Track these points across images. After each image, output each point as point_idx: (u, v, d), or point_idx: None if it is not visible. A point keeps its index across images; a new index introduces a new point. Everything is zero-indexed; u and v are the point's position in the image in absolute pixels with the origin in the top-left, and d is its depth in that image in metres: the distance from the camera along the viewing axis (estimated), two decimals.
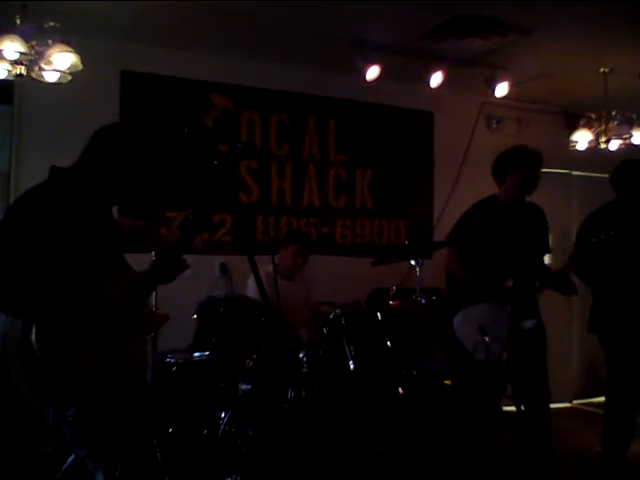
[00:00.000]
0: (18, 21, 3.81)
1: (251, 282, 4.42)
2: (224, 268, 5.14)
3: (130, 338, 2.41)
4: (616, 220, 4.10)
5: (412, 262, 4.38)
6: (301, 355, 3.89)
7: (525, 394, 3.95)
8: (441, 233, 5.82)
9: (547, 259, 4.31)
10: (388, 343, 4.08)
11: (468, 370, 4.11)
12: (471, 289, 4.03)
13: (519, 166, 4.00)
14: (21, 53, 3.78)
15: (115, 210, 2.69)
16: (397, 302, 4.69)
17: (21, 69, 3.87)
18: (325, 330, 4.11)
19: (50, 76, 4.03)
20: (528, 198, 4.13)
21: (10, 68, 3.85)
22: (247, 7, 4.29)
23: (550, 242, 4.29)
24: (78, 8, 4.19)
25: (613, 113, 5.50)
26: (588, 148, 5.64)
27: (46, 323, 2.18)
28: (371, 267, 4.65)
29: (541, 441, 3.92)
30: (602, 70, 5.45)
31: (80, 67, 4.03)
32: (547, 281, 3.95)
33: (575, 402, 6.71)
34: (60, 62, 3.95)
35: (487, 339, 3.82)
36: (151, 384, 3.39)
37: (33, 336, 2.15)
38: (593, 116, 5.61)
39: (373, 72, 5.05)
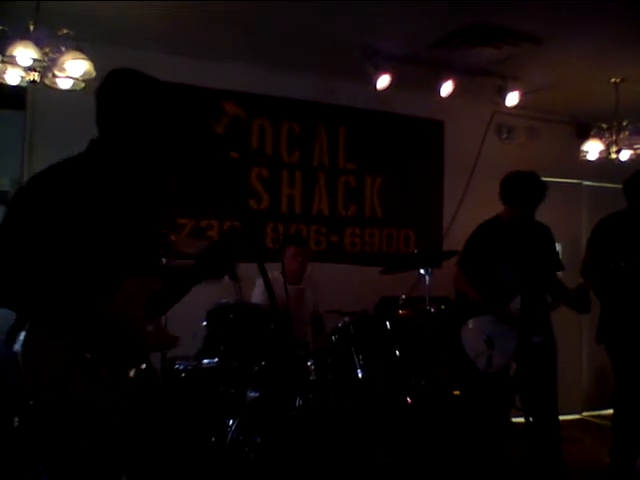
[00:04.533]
0: (32, 27, 3.84)
1: (257, 289, 4.42)
2: (233, 275, 5.14)
3: (135, 359, 2.12)
4: (626, 228, 4.10)
5: (421, 271, 4.39)
6: (309, 363, 3.89)
7: (533, 407, 3.96)
8: (451, 242, 5.81)
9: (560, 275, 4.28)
10: (397, 352, 4.07)
11: (476, 380, 4.11)
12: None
13: (530, 199, 4.03)
14: (34, 60, 3.80)
15: None
16: (406, 311, 4.69)
17: (34, 76, 3.89)
18: (334, 338, 4.11)
19: (63, 83, 4.05)
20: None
21: (23, 74, 3.88)
22: (259, 15, 4.32)
23: (560, 257, 4.29)
24: (92, 15, 4.22)
25: (624, 123, 5.49)
26: (599, 158, 5.62)
27: (39, 327, 1.92)
28: (380, 275, 4.65)
29: (550, 453, 3.91)
30: (613, 80, 5.43)
31: (93, 74, 4.05)
32: (561, 299, 3.96)
33: (584, 414, 6.66)
34: (73, 69, 3.98)
35: (491, 350, 3.87)
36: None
37: (19, 345, 1.89)
38: (604, 126, 5.60)
39: (384, 81, 5.06)
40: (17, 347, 1.90)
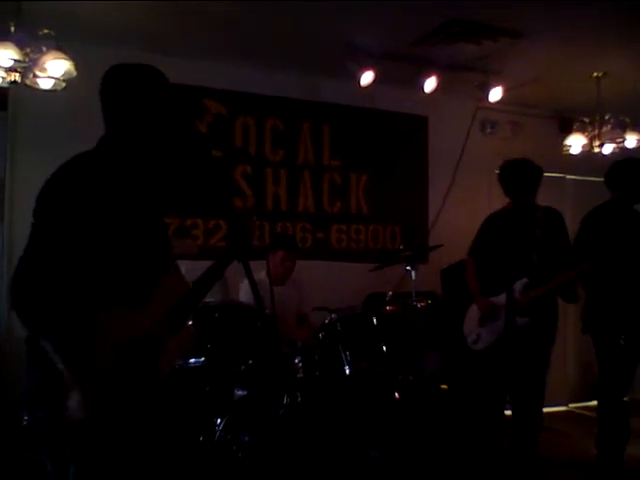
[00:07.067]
0: (12, 28, 3.82)
1: (244, 287, 4.41)
2: None
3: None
4: (614, 220, 4.12)
5: (407, 267, 4.41)
6: (297, 361, 3.89)
7: (515, 393, 4.00)
8: (436, 237, 5.83)
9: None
10: (384, 348, 4.08)
11: (468, 375, 4.16)
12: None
13: (528, 185, 4.07)
14: (15, 60, 3.78)
15: None
16: (393, 307, 4.70)
17: (15, 76, 3.86)
18: (321, 335, 4.11)
19: (44, 83, 4.02)
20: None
21: (4, 75, 3.85)
22: (242, 12, 4.31)
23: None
24: (72, 14, 4.19)
25: (606, 117, 5.52)
26: (582, 152, 5.66)
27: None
28: (367, 272, 4.67)
29: (526, 442, 3.94)
30: (595, 74, 5.47)
31: (74, 74, 4.03)
32: (548, 284, 3.95)
33: (571, 405, 6.72)
34: (54, 69, 3.95)
35: (481, 328, 4.10)
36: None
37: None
38: (586, 120, 5.63)
39: (367, 77, 5.07)
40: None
